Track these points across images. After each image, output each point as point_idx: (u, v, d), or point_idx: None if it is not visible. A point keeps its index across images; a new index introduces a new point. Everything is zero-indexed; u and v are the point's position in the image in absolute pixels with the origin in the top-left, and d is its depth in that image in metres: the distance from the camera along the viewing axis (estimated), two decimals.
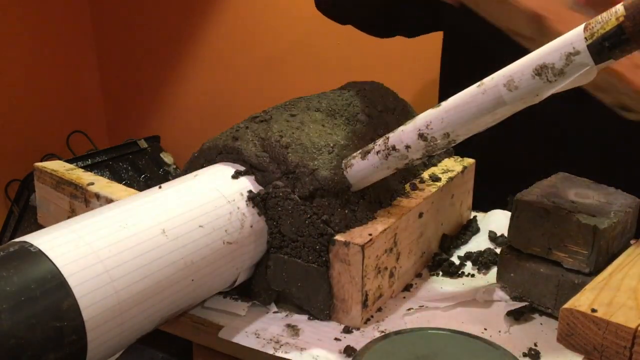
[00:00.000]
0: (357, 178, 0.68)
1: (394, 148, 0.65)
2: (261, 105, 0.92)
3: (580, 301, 0.53)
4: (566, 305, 0.52)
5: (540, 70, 0.55)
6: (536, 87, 0.56)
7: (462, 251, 0.84)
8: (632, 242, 0.72)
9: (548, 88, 0.56)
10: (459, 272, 0.79)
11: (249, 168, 0.71)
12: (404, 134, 0.64)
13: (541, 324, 0.68)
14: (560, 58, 0.54)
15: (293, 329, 0.67)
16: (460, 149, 0.83)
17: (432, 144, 0.63)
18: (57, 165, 0.83)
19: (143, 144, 1.91)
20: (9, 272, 0.49)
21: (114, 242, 0.55)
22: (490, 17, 0.75)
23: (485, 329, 0.67)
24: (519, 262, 0.70)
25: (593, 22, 0.53)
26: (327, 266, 0.67)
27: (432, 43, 1.65)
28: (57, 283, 0.50)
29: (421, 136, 0.63)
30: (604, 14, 0.53)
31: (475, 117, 0.60)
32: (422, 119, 0.63)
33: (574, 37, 0.54)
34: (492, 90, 0.58)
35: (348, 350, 0.63)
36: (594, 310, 0.51)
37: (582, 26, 0.54)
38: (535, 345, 0.64)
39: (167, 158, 1.93)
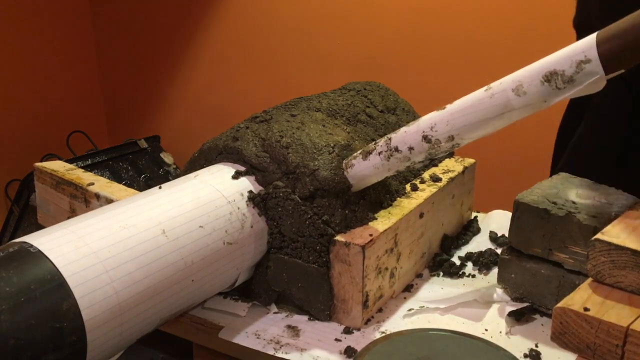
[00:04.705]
0: (357, 178, 0.68)
1: (396, 149, 0.65)
2: (261, 105, 0.92)
3: (574, 300, 0.53)
4: (559, 304, 0.52)
5: (550, 77, 0.55)
6: (545, 93, 0.56)
7: (462, 251, 0.84)
8: None
9: (557, 95, 0.56)
10: (460, 273, 0.79)
11: (250, 168, 0.70)
12: (407, 135, 0.64)
13: (542, 324, 0.68)
14: (570, 65, 0.54)
15: (293, 330, 0.67)
16: None
17: (435, 146, 0.63)
18: (57, 165, 0.82)
19: (143, 144, 1.90)
20: (9, 272, 0.49)
21: (114, 243, 0.55)
22: None
23: (486, 330, 0.67)
24: (520, 263, 0.70)
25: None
26: (328, 267, 0.67)
27: (432, 42, 1.65)
28: (56, 284, 0.50)
29: (425, 138, 0.63)
30: None
31: (481, 121, 0.59)
32: (427, 120, 0.63)
33: (585, 45, 0.54)
34: (500, 95, 0.58)
35: (348, 351, 0.63)
36: (586, 309, 0.51)
37: (594, 35, 0.53)
38: (536, 346, 0.64)
39: (167, 158, 1.93)
